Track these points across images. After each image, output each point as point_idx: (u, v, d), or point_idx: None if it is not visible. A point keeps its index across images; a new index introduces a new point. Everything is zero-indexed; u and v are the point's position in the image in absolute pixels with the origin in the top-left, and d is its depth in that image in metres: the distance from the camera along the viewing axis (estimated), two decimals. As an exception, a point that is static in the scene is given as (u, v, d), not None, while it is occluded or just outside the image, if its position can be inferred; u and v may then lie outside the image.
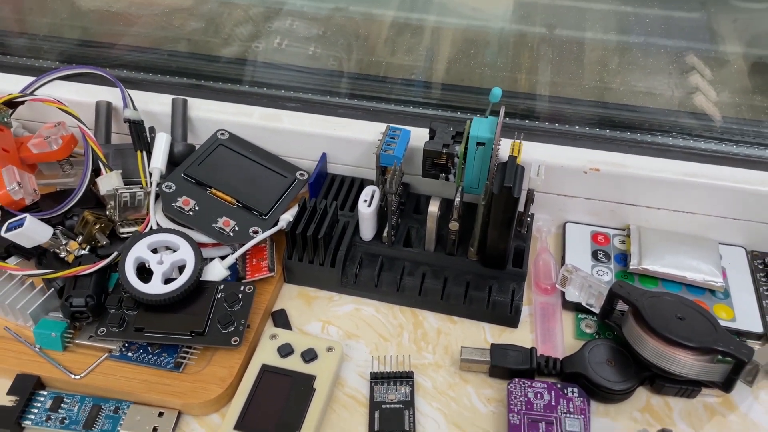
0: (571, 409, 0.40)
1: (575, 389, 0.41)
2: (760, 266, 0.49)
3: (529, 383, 0.42)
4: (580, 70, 0.57)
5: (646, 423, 0.41)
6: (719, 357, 0.41)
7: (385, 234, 0.48)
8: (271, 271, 0.47)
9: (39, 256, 0.46)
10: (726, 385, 0.41)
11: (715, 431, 0.41)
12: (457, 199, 0.45)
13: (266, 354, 0.43)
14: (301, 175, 0.52)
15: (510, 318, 0.46)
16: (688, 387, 0.42)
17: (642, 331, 0.42)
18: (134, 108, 0.52)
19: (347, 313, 0.47)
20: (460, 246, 0.48)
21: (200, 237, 0.46)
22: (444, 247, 0.48)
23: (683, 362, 0.41)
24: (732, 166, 0.49)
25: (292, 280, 0.49)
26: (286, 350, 0.43)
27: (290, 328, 0.46)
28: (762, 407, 0.42)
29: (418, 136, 0.48)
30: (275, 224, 0.48)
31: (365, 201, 0.48)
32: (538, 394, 0.41)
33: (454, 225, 0.46)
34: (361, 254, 0.48)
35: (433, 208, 0.46)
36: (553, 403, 0.41)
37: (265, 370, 0.42)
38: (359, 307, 0.48)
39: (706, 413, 0.42)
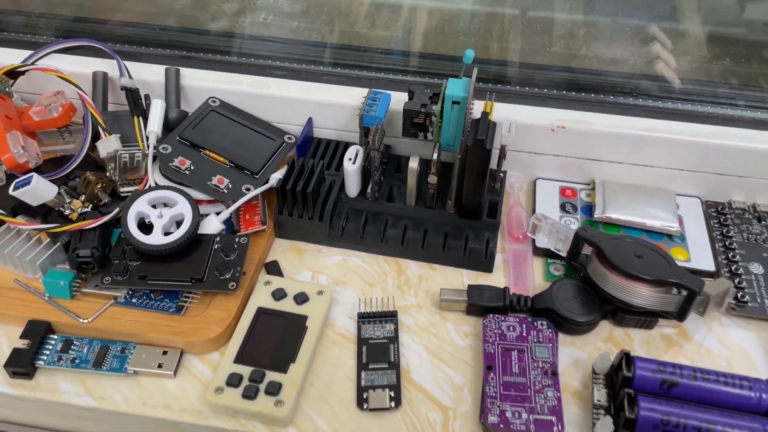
0: (541, 339, 0.44)
1: (544, 322, 0.45)
2: (714, 214, 0.53)
3: (503, 318, 0.46)
4: (549, 41, 0.61)
5: (608, 351, 0.45)
6: (674, 290, 0.45)
7: (369, 190, 0.52)
8: (263, 225, 0.50)
9: (44, 214, 0.49)
10: (680, 314, 0.45)
11: (671, 358, 0.45)
12: (435, 155, 0.49)
13: (261, 298, 0.46)
14: (288, 138, 0.56)
15: (485, 263, 0.50)
16: (646, 318, 0.46)
17: (604, 268, 0.46)
18: (130, 77, 0.55)
19: (335, 263, 0.51)
20: (438, 200, 0.52)
21: (196, 195, 0.50)
22: (424, 202, 0.52)
23: (641, 294, 0.45)
24: (688, 121, 0.54)
25: (284, 234, 0.52)
26: (279, 294, 0.47)
27: (283, 277, 0.50)
28: (714, 336, 0.46)
29: (399, 100, 0.52)
30: (266, 182, 0.51)
31: (350, 159, 0.51)
32: (511, 327, 0.45)
33: (432, 179, 0.50)
34: (347, 209, 0.52)
35: (413, 164, 0.50)
36: (525, 335, 0.45)
37: (261, 311, 0.46)
38: (346, 257, 0.51)
39: (663, 342, 0.46)
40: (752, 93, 0.58)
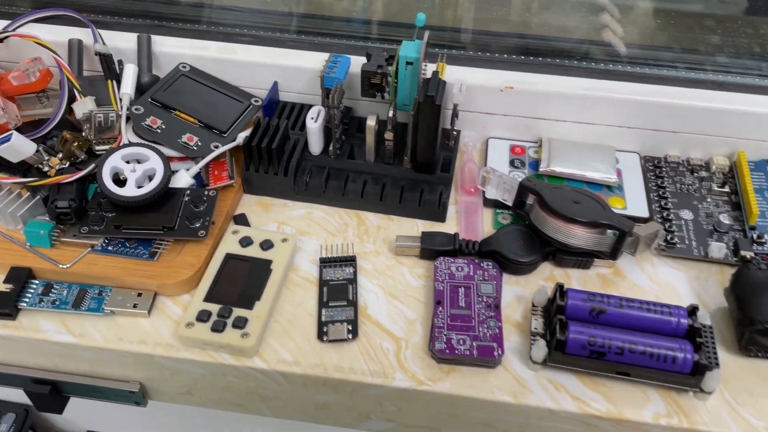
0: (486, 278, 0.49)
1: (490, 263, 0.50)
2: (651, 167, 0.58)
3: (453, 260, 0.50)
4: (503, 10, 0.65)
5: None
6: (608, 232, 0.49)
7: (331, 148, 0.56)
8: (230, 179, 0.54)
9: (24, 172, 0.52)
10: (613, 253, 0.49)
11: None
12: (391, 113, 0.53)
13: (229, 245, 0.50)
14: (255, 101, 0.59)
15: (438, 213, 0.54)
16: (583, 258, 0.50)
17: (545, 213, 0.50)
18: (104, 44, 0.58)
19: (300, 215, 0.55)
20: (396, 157, 0.56)
21: (168, 152, 0.53)
22: (383, 158, 0.56)
23: (578, 236, 0.49)
24: (627, 81, 0.58)
25: (251, 190, 0.56)
26: (246, 241, 0.50)
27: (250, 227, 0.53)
28: (645, 275, 0.51)
29: (358, 64, 0.55)
30: (233, 140, 0.55)
31: (312, 118, 0.55)
32: (460, 268, 0.49)
33: (389, 135, 0.54)
34: (311, 166, 0.56)
35: (371, 122, 0.54)
36: (472, 274, 0.49)
37: (229, 257, 0.49)
38: (310, 211, 0.55)
39: (598, 280, 0.50)
40: (691, 56, 0.62)
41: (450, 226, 0.54)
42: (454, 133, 0.57)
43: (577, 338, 0.42)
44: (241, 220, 0.54)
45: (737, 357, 0.45)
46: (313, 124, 0.54)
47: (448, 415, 0.46)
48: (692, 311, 0.44)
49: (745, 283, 0.45)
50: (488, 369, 0.45)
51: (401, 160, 0.56)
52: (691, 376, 0.42)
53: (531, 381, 0.44)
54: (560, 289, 0.45)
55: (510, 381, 0.44)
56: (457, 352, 0.44)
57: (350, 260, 0.50)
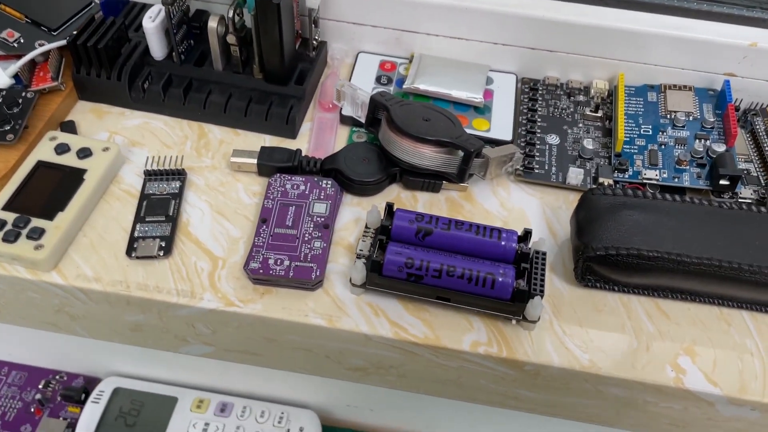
0: (322, 197, 0.45)
1: (330, 182, 0.46)
2: (527, 90, 0.54)
3: (290, 177, 0.46)
4: None
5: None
6: (459, 152, 0.46)
7: (174, 52, 0.51)
8: (54, 81, 0.49)
9: None
10: (459, 175, 0.46)
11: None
12: (231, 12, 0.48)
13: (43, 152, 0.46)
14: (98, -1, 0.54)
15: (288, 129, 0.50)
16: (431, 180, 0.47)
17: (390, 130, 0.46)
18: None
19: (136, 125, 0.50)
20: (247, 66, 0.51)
21: (-14, 49, 0.48)
22: (233, 67, 0.51)
23: (423, 155, 0.45)
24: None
25: (86, 96, 0.51)
26: (62, 149, 0.46)
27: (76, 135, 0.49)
28: (497, 200, 0.47)
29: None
30: (62, 39, 0.50)
31: (150, 17, 0.49)
32: (295, 186, 0.45)
33: (231, 38, 0.49)
34: (152, 72, 0.51)
35: (212, 23, 0.48)
36: (307, 192, 0.45)
37: (40, 164, 0.45)
38: (149, 121, 0.51)
39: (447, 204, 0.47)
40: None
41: (301, 142, 0.50)
42: (314, 42, 0.53)
43: (394, 259, 0.39)
44: (69, 127, 0.49)
45: (576, 287, 0.43)
46: (150, 23, 0.49)
47: (265, 339, 0.43)
48: (524, 236, 0.41)
49: (587, 209, 0.42)
50: (307, 291, 0.41)
51: (252, 69, 0.51)
52: (511, 303, 0.39)
53: (350, 305, 0.41)
54: (389, 209, 0.42)
55: (328, 304, 0.41)
56: (272, 272, 0.41)
57: (178, 174, 0.46)
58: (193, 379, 0.68)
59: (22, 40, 0.48)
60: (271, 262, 0.41)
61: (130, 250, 0.42)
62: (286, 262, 0.41)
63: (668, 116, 0.51)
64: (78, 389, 0.68)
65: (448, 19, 0.53)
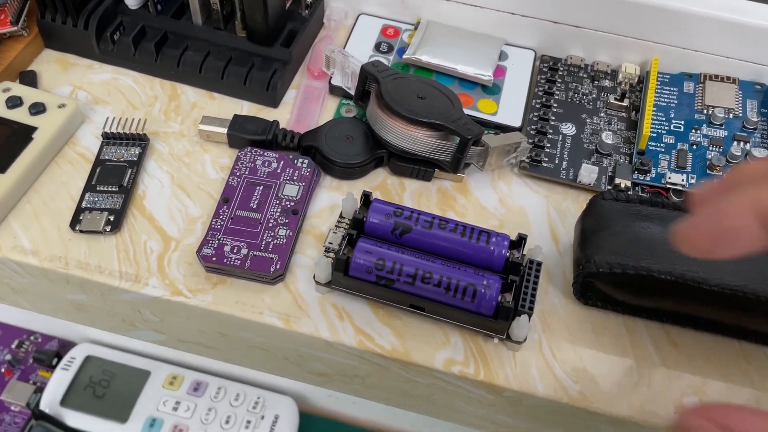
0: (295, 178, 0.40)
1: (306, 161, 0.40)
2: (545, 69, 0.47)
3: (262, 152, 0.41)
4: None
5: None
6: (457, 138, 0.40)
7: (149, 1, 0.45)
8: (13, 26, 0.44)
9: None
10: (453, 164, 0.40)
11: (437, 210, 0.40)
12: (211, -41, 0.42)
13: (-8, 105, 0.41)
14: (74, -64, 0.48)
15: (267, 96, 0.44)
16: (421, 167, 0.41)
17: (378, 107, 0.40)
18: None
19: (103, 80, 0.45)
20: (229, 22, 0.46)
21: (-58, -15, 0.43)
22: (214, 22, 0.46)
23: (413, 137, 0.40)
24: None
25: (52, 45, 0.46)
26: (14, 102, 0.41)
27: (36, 88, 0.44)
28: (496, 195, 0.41)
29: None
30: (28, -21, 0.45)
31: (124, -40, 0.44)
32: (267, 162, 0.40)
33: (210, -11, 0.43)
34: (124, 21, 0.46)
35: (192, -30, 0.43)
36: (279, 171, 0.40)
37: (-13, 119, 0.41)
38: (118, 77, 0.46)
39: (437, 195, 0.41)
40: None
41: (283, 112, 0.45)
42: (307, 0, 0.47)
43: (362, 259, 0.34)
44: (28, 77, 0.44)
45: (574, 304, 0.37)
46: (123, -33, 0.44)
47: (217, 334, 0.38)
48: (518, 242, 0.35)
49: (596, 215, 0.36)
50: (266, 285, 0.37)
51: (235, 26, 0.46)
52: (493, 320, 0.33)
53: (313, 305, 0.36)
54: (365, 199, 0.37)
55: (288, 302, 0.36)
56: (226, 261, 0.36)
57: (140, 139, 0.41)
58: (169, 353, 0.65)
59: (-20, -22, 0.44)
60: (226, 249, 0.36)
61: (74, 223, 0.38)
62: (244, 251, 0.36)
63: (705, 111, 0.44)
64: (51, 353, 0.65)
65: (461, -18, 0.46)
